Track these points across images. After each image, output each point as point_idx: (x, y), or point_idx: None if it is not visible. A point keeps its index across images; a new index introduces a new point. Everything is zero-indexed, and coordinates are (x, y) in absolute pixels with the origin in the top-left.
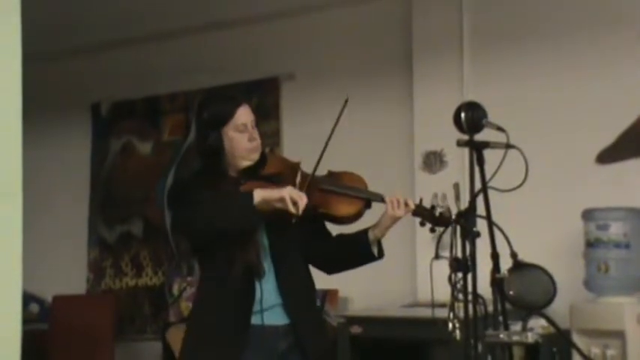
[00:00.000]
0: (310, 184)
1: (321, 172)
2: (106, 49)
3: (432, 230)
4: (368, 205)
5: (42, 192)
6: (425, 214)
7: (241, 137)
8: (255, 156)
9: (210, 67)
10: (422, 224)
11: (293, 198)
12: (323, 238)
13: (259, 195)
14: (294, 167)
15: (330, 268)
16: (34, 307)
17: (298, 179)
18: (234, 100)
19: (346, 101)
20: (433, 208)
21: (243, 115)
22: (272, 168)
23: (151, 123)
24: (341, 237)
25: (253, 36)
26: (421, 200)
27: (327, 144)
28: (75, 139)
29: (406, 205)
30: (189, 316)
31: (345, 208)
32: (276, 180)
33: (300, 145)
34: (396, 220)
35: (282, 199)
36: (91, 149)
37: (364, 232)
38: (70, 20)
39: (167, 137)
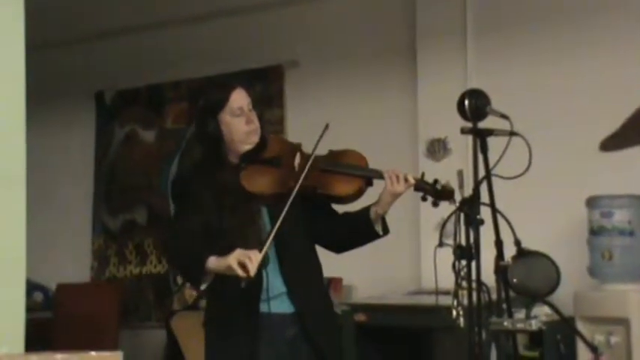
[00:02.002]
0: (309, 166)
1: (322, 151)
2: (110, 38)
3: (435, 204)
4: (369, 183)
5: (46, 180)
6: (427, 189)
7: (238, 121)
8: (255, 139)
9: (213, 55)
10: (424, 199)
11: (241, 262)
12: (327, 217)
13: (210, 267)
14: (294, 148)
15: (337, 248)
16: (38, 296)
17: (297, 160)
18: (227, 85)
19: (326, 126)
20: (435, 182)
21: (238, 99)
22: (272, 151)
23: (154, 111)
24: (345, 215)
25: (257, 24)
26: (423, 175)
27: (310, 161)
28: (79, 127)
29: (406, 180)
30: (204, 313)
31: (344, 188)
32: (276, 163)
33: (304, 132)
34: (396, 196)
35: (229, 269)
36: (94, 137)
37: (366, 210)
38: (74, 8)
39: (171, 125)
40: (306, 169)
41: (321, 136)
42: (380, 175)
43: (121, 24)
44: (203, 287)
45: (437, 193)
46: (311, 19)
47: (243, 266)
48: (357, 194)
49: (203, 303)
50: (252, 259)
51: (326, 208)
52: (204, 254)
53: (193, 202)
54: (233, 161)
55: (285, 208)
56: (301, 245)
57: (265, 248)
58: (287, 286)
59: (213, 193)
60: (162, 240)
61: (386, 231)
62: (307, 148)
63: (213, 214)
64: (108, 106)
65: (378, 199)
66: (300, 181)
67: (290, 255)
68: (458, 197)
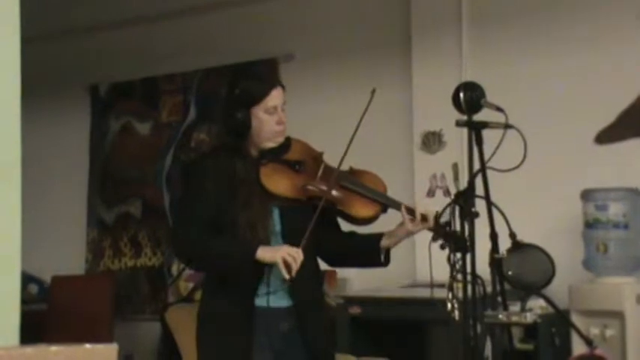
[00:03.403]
0: (332, 179)
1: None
2: (105, 30)
3: (443, 247)
4: (384, 210)
5: (41, 173)
6: (439, 232)
7: (270, 119)
8: (281, 139)
9: (208, 48)
10: (434, 240)
11: (286, 261)
12: (334, 231)
13: (257, 254)
14: (318, 158)
15: (333, 262)
16: (33, 288)
17: (320, 172)
18: (269, 80)
19: (374, 91)
20: (447, 224)
21: (276, 97)
22: (295, 154)
23: (149, 104)
24: (353, 236)
25: (252, 16)
26: (438, 215)
27: (351, 140)
28: (74, 120)
29: (424, 220)
30: (200, 304)
31: (363, 210)
32: (298, 167)
33: (299, 126)
34: (410, 234)
35: (274, 263)
36: (89, 130)
37: (377, 239)
38: (69, 1)
39: (166, 118)
40: (334, 188)
41: (369, 103)
42: (399, 207)
43: (116, 17)
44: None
45: (449, 240)
46: (306, 12)
47: (287, 266)
48: (373, 219)
49: (198, 295)
50: (297, 260)
51: (333, 221)
52: (252, 248)
53: (205, 188)
54: (253, 153)
55: (312, 223)
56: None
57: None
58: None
59: (228, 182)
60: (190, 247)
61: (388, 261)
62: (309, 144)
63: (225, 203)
64: (103, 98)
65: (392, 233)
66: (324, 199)
67: None
68: (453, 190)
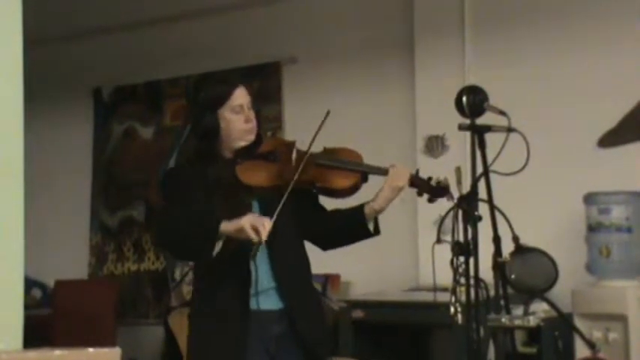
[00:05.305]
0: (306, 160)
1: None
2: (108, 34)
3: (430, 201)
4: (365, 178)
5: (44, 177)
6: (421, 185)
7: (237, 118)
8: (251, 137)
9: (211, 52)
10: (419, 194)
11: (254, 226)
12: (317, 212)
13: (222, 230)
14: (290, 145)
15: (325, 244)
16: (37, 292)
17: (294, 156)
18: (230, 81)
19: (327, 113)
20: (429, 178)
21: (240, 96)
22: (267, 146)
23: (152, 107)
24: (337, 211)
25: (255, 20)
26: (417, 171)
27: (311, 144)
28: (77, 123)
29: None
30: (190, 306)
31: (341, 181)
32: (272, 157)
33: (302, 128)
34: (395, 190)
35: (241, 230)
36: (92, 134)
37: (360, 207)
38: (72, 4)
39: (169, 122)
40: (304, 161)
41: (322, 122)
42: (378, 170)
43: (119, 20)
44: (215, 252)
45: (431, 189)
46: (309, 15)
47: (255, 230)
48: (354, 188)
49: None
50: (265, 225)
51: (315, 203)
52: (216, 216)
53: (184, 194)
54: (227, 155)
55: (284, 197)
56: (291, 238)
57: (275, 217)
58: (276, 280)
59: (204, 186)
60: (160, 224)
61: (377, 231)
62: (306, 143)
63: (203, 206)
64: (106, 102)
65: (376, 195)
66: (298, 172)
67: (280, 248)
68: (456, 194)
